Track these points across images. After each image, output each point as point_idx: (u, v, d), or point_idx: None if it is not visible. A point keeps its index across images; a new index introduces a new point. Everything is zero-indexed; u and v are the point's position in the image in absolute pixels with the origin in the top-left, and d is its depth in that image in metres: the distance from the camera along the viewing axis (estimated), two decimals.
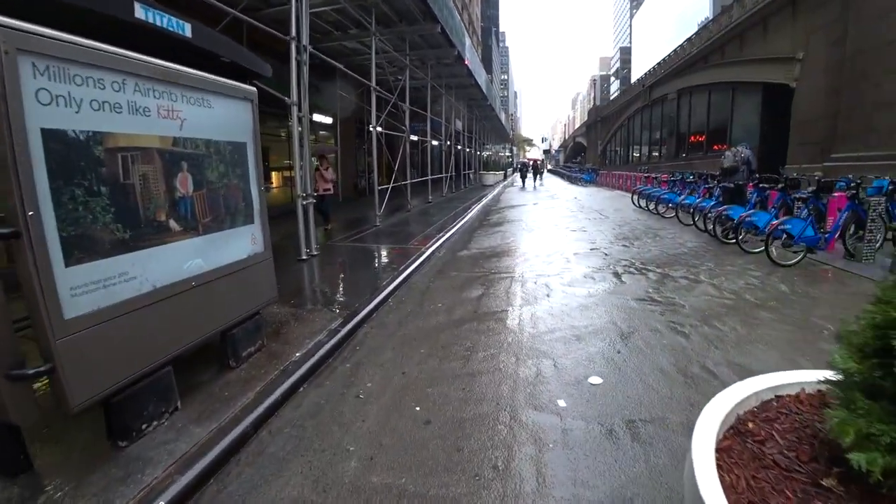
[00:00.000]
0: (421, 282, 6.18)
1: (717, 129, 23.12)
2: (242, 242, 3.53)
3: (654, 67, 31.27)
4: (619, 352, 3.79)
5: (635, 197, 14.44)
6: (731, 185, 8.44)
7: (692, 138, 26.00)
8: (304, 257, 7.11)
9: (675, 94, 26.82)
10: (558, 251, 7.93)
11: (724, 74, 21.10)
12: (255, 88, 3.65)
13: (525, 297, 5.31)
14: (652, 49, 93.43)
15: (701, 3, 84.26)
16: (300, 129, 7.49)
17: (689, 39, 25.20)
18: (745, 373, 3.37)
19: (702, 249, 7.82)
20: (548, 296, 5.36)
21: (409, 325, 4.59)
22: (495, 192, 23.15)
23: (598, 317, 4.60)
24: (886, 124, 10.02)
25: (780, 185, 7.86)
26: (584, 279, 6.06)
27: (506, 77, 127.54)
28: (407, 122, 13.06)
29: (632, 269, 6.51)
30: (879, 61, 10.23)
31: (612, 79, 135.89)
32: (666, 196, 12.09)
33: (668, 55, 28.36)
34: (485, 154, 43.43)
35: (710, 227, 8.66)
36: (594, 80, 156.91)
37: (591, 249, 8.02)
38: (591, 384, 3.29)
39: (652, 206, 12.79)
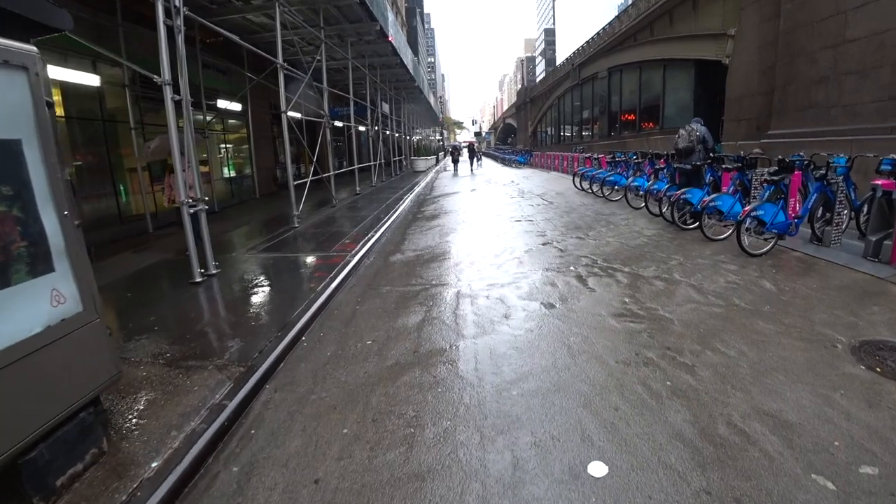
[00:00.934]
0: (345, 305, 4.92)
1: (650, 107, 23.25)
2: (32, 307, 2.14)
3: (583, 46, 31.13)
4: (616, 409, 2.78)
5: (577, 179, 13.81)
6: (688, 167, 7.80)
7: (624, 117, 26.11)
8: (198, 279, 5.61)
9: (606, 73, 26.75)
10: (507, 248, 6.93)
11: (655, 52, 21.05)
12: (34, 49, 2.22)
13: (478, 322, 4.21)
14: (577, 30, 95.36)
15: None
16: (187, 117, 5.88)
17: (618, 17, 25.03)
18: (782, 428, 2.50)
19: (663, 238, 7.12)
20: (506, 317, 4.30)
21: (327, 380, 3.36)
22: (428, 178, 21.98)
23: (575, 348, 3.60)
24: (824, 99, 9.86)
25: (737, 165, 7.28)
26: (545, 287, 5.07)
27: (433, 60, 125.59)
28: (326, 105, 11.51)
29: (596, 270, 5.61)
30: (815, 36, 10.02)
31: (539, 59, 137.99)
32: (612, 178, 11.49)
33: (598, 33, 28.21)
34: (415, 139, 41.95)
35: (666, 211, 8.02)
36: (520, 61, 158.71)
37: (544, 244, 7.10)
38: (594, 477, 2.25)
39: (596, 189, 12.19)
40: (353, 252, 6.79)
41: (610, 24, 26.47)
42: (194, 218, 5.79)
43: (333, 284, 5.29)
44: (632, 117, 25.17)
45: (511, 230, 8.33)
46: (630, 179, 10.27)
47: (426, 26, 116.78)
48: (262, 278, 5.79)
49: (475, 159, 29.89)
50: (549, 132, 44.51)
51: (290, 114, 10.58)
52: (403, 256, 6.92)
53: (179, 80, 5.86)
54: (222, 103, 13.18)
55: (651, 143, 21.04)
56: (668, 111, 21.05)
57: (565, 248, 6.82)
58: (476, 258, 6.52)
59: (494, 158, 41.96)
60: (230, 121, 15.73)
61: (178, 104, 5.70)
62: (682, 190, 7.50)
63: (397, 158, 25.77)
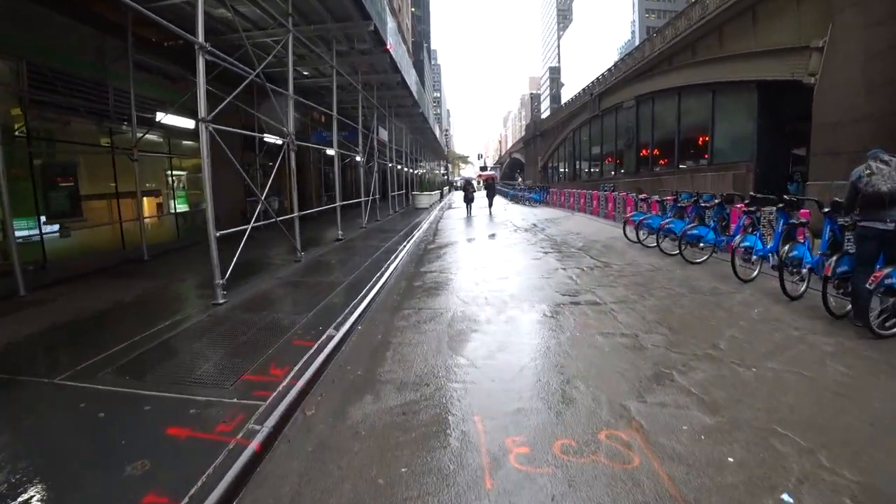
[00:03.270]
0: None
1: (692, 140, 20.07)
2: None
3: (603, 75, 28.39)
4: None
5: (630, 227, 10.35)
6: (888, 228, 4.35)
7: (656, 151, 22.94)
8: None
9: (633, 102, 23.78)
10: (590, 397, 3.36)
11: (699, 75, 18.03)
12: None
13: None
14: (583, 67, 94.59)
15: (625, 24, 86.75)
16: None
17: (648, 40, 22.24)
18: None
19: (847, 354, 3.56)
20: None
21: None
22: (431, 217, 18.58)
23: None
24: None
25: None
26: None
27: (438, 95, 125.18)
28: (290, 120, 8.19)
29: None
30: None
31: (545, 96, 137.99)
32: (694, 231, 8.00)
33: (622, 59, 25.46)
34: (419, 172, 38.98)
35: (837, 304, 4.50)
36: (525, 98, 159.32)
37: (658, 382, 3.52)
38: None
39: (655, 243, 8.77)
40: (279, 393, 3.24)
41: (638, 48, 23.70)
42: None
43: None
44: (666, 152, 21.99)
45: (573, 334, 4.77)
46: (739, 238, 6.76)
47: (433, 62, 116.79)
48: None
49: (492, 198, 21.67)
50: (563, 167, 41.58)
51: (267, 137, 7.37)
52: (377, 407, 3.35)
53: None
54: (169, 119, 9.93)
55: (696, 181, 17.75)
56: (719, 144, 17.83)
57: (712, 397, 3.25)
58: (530, 427, 2.95)
59: (503, 195, 38.79)
60: (185, 142, 12.52)
61: None
62: (887, 268, 4.00)
63: (397, 193, 22.49)
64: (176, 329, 4.80)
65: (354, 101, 14.65)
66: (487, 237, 12.54)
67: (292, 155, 8.26)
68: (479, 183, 39.40)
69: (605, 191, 19.07)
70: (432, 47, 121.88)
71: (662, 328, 4.74)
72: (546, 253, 9.36)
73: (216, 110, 5.83)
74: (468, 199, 19.96)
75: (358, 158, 14.58)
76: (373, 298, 5.97)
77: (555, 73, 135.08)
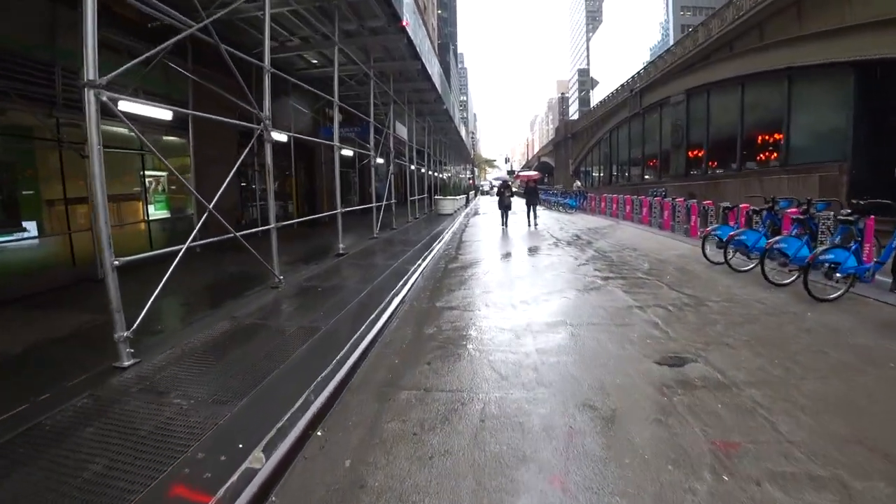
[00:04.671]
0: None
1: (757, 136, 17.30)
2: None
3: (646, 69, 25.72)
4: None
5: (711, 245, 7.97)
6: None
7: (711, 151, 20.20)
8: None
9: (683, 96, 21.10)
10: None
11: (770, 60, 15.35)
12: None
13: None
14: (616, 66, 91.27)
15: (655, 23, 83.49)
16: None
17: (703, 24, 19.55)
18: None
19: None
20: None
21: None
22: (456, 225, 16.37)
23: None
24: None
25: None
26: None
27: (465, 98, 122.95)
28: (267, 101, 6.15)
29: None
30: None
31: (573, 98, 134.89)
32: (828, 257, 5.57)
33: (668, 49, 22.79)
34: (444, 175, 36.80)
35: None
36: (555, 100, 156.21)
37: None
38: None
39: (763, 268, 6.36)
40: None
41: (689, 35, 21.07)
42: None
43: None
44: (724, 152, 19.26)
45: (716, 485, 2.53)
46: None
47: (459, 65, 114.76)
48: None
49: (533, 207, 16.01)
50: (597, 171, 38.83)
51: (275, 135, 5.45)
52: None
53: None
54: (141, 109, 8.08)
55: (766, 185, 15.08)
56: (797, 140, 15.09)
57: None
58: None
59: None
60: (166, 137, 10.73)
61: None
62: None
63: (417, 197, 20.39)
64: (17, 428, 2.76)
65: (369, 94, 12.66)
66: (522, 253, 10.25)
67: (268, 147, 6.22)
68: (514, 185, 36.39)
69: (656, 196, 16.57)
70: (459, 51, 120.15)
71: (875, 459, 2.47)
72: (606, 279, 7.03)
73: (117, 72, 3.79)
74: (504, 207, 15.46)
75: (380, 160, 12.58)
76: (353, 367, 3.82)
77: (584, 75, 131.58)
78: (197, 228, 5.00)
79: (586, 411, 3.09)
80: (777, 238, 6.43)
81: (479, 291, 6.57)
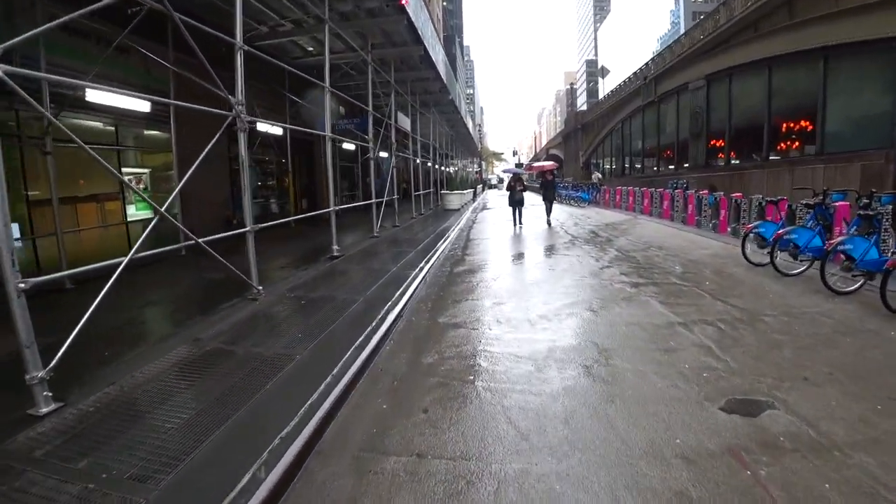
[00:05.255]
0: None
1: (786, 123, 16.12)
2: None
3: (660, 55, 24.52)
4: None
5: (751, 245, 7.03)
6: None
7: (734, 140, 19.05)
8: None
9: (703, 82, 19.93)
10: None
11: (801, 40, 14.20)
12: None
13: None
14: (625, 56, 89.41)
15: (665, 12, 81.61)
16: None
17: (724, 3, 18.35)
18: None
19: None
20: None
21: None
22: (461, 223, 15.44)
23: None
24: None
25: None
26: None
27: (472, 91, 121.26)
28: (239, 83, 5.28)
29: None
30: None
31: (581, 90, 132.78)
32: None
33: (685, 33, 21.61)
34: (451, 169, 35.76)
35: None
36: (562, 92, 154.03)
37: None
38: None
39: (823, 274, 5.41)
40: None
41: (709, 16, 19.86)
42: None
43: None
44: (748, 140, 18.10)
45: None
46: None
47: (465, 58, 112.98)
48: None
49: (549, 203, 14.65)
50: (609, 162, 37.63)
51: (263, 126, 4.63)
52: None
53: None
54: (116, 99, 7.29)
55: (797, 175, 13.97)
56: (833, 126, 13.94)
57: None
58: None
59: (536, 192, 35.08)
60: (148, 131, 9.97)
61: None
62: None
63: (423, 192, 19.48)
64: None
65: (362, 77, 11.75)
66: (536, 254, 9.33)
67: (242, 136, 5.36)
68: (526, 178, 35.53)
69: (676, 188, 15.54)
70: (465, 43, 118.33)
71: None
72: (636, 286, 6.09)
73: (14, 41, 2.93)
74: (516, 202, 13.38)
75: (383, 153, 11.69)
76: (325, 418, 2.96)
77: (591, 66, 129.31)
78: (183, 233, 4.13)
79: (644, 498, 2.20)
80: (840, 238, 5.46)
81: (489, 303, 5.68)
